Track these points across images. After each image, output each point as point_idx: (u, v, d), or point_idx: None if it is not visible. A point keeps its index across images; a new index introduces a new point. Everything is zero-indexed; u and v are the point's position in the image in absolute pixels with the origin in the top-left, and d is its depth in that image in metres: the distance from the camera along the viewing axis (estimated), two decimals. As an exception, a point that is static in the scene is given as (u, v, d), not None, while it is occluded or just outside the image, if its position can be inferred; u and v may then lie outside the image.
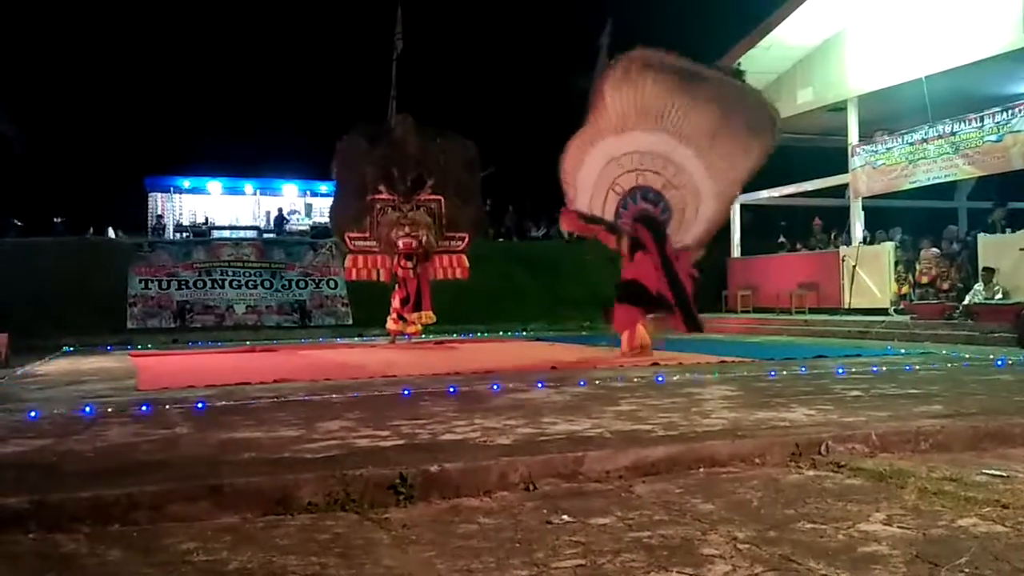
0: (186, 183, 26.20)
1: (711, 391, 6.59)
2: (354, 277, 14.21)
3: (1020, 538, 3.01)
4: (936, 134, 14.30)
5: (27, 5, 27.21)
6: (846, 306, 15.54)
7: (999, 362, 8.58)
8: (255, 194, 26.73)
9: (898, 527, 3.16)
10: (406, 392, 6.83)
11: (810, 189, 17.90)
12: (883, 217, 17.15)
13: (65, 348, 13.74)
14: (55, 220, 22.54)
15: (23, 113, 22.24)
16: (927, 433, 4.64)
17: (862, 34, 15.78)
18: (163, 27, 29.66)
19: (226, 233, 22.39)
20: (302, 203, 26.78)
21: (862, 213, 16.24)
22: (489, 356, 10.82)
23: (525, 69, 27.17)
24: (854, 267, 15.36)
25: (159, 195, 25.92)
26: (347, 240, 13.93)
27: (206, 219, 24.97)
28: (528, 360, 10.10)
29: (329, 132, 14.35)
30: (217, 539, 3.20)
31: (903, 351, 10.34)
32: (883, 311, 14.77)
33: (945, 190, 17.42)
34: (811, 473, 4.09)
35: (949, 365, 8.53)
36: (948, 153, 14.11)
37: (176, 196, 26.17)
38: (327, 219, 18.19)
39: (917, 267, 14.27)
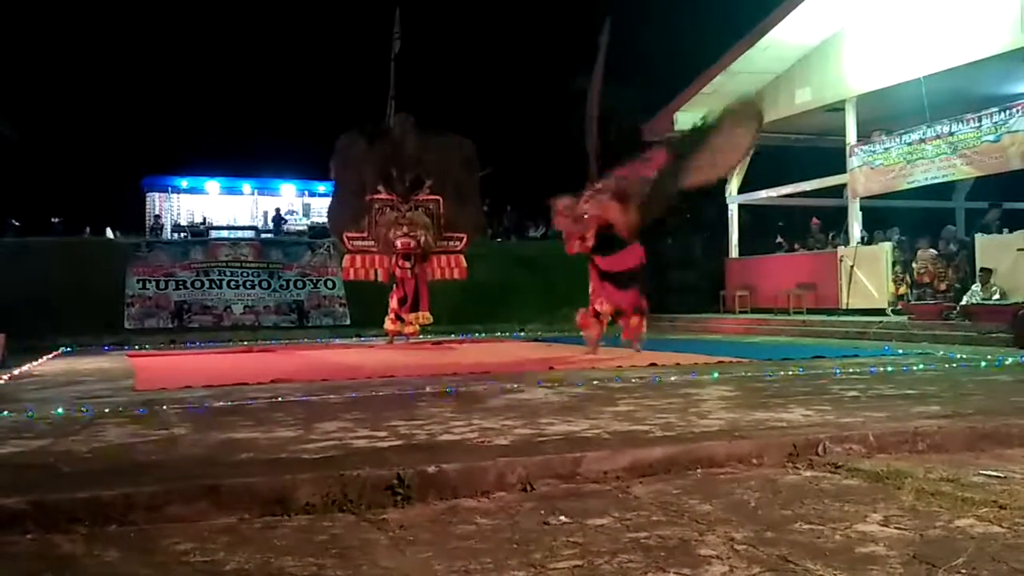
0: (184, 183, 26.21)
1: (709, 392, 6.60)
2: (352, 277, 14.20)
3: (1017, 539, 3.01)
4: (934, 134, 14.30)
5: (25, 5, 27.19)
6: (844, 306, 15.55)
7: (997, 362, 8.60)
8: (253, 194, 26.75)
9: (895, 528, 3.16)
10: (404, 392, 6.84)
11: (808, 189, 17.90)
12: (881, 217, 17.16)
13: (62, 348, 13.72)
14: (52, 220, 22.51)
15: (20, 113, 22.24)
16: (924, 434, 4.64)
17: (860, 34, 15.79)
18: (161, 26, 29.67)
19: (224, 233, 22.36)
20: (300, 203, 26.81)
21: (860, 213, 16.23)
22: (487, 356, 10.83)
23: (524, 69, 27.20)
24: (852, 267, 15.37)
25: (157, 195, 25.93)
26: (345, 240, 13.93)
27: (204, 219, 24.97)
28: (526, 360, 10.12)
29: (327, 132, 14.36)
30: (214, 540, 3.20)
31: (901, 351, 10.35)
32: (881, 311, 14.78)
33: (943, 190, 17.41)
34: (808, 474, 4.09)
35: (947, 366, 8.54)
36: (946, 153, 14.12)
37: (174, 196, 26.19)
38: (325, 219, 18.17)
39: (914, 267, 14.30)
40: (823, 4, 15.56)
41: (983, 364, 8.52)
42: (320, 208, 23.94)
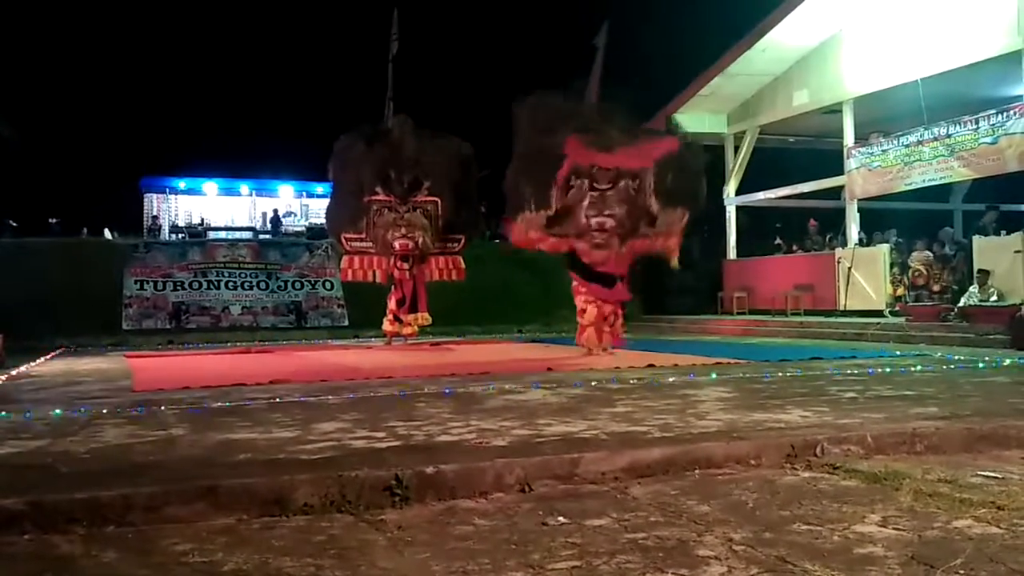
0: (182, 184, 26.19)
1: (707, 393, 6.60)
2: (350, 278, 14.19)
3: (1015, 540, 3.01)
4: (931, 136, 14.32)
5: (24, 5, 27.18)
6: (842, 308, 15.55)
7: (994, 364, 8.61)
8: (251, 195, 26.73)
9: (893, 529, 3.16)
10: (402, 393, 6.84)
11: (806, 191, 17.93)
12: (878, 219, 17.18)
13: (60, 349, 13.71)
14: (50, 221, 22.52)
15: (19, 113, 22.22)
16: (922, 435, 4.65)
17: (858, 36, 15.81)
18: (159, 27, 29.67)
19: (222, 234, 22.37)
20: (298, 204, 26.80)
21: (858, 215, 16.25)
22: (485, 357, 10.83)
23: (522, 70, 27.18)
24: (849, 269, 15.38)
25: (155, 196, 25.92)
26: (343, 241, 13.91)
27: (202, 220, 24.96)
28: (524, 361, 10.12)
29: (325, 133, 14.35)
30: (213, 540, 3.20)
31: (898, 353, 10.36)
32: (878, 313, 14.79)
33: (941, 192, 17.43)
34: (806, 475, 4.09)
35: (944, 367, 8.55)
36: (943, 155, 14.13)
37: (172, 197, 26.17)
38: (323, 220, 18.16)
39: (910, 269, 14.32)
40: (821, 6, 15.58)
41: (981, 365, 8.53)
42: (318, 209, 23.93)
